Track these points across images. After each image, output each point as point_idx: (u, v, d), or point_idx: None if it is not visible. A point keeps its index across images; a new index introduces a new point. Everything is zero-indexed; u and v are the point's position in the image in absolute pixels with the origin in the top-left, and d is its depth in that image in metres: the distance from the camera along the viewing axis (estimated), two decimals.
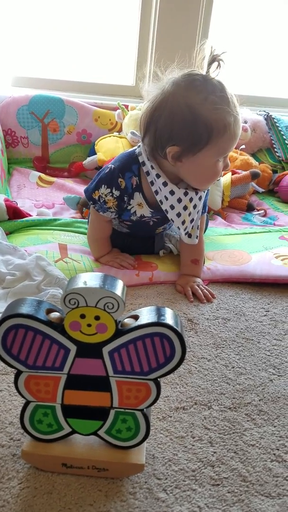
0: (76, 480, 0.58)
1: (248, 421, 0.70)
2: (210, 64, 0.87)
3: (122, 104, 1.65)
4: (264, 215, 1.52)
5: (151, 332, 0.51)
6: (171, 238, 1.17)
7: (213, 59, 0.87)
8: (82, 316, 0.51)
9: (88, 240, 1.11)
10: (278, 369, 0.81)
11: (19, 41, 1.76)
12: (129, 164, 0.98)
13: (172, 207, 0.98)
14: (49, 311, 0.53)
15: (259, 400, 0.74)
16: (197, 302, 0.99)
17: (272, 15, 1.96)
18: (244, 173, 1.52)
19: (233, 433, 0.67)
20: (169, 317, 0.52)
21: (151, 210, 1.02)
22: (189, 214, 0.99)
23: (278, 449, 0.65)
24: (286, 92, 2.04)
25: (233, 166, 1.58)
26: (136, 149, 1.00)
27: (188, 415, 0.70)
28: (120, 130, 1.68)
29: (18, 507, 0.54)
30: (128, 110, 1.64)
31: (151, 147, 0.93)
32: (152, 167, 0.95)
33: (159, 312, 0.53)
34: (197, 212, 1.01)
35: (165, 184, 0.96)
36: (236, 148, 1.63)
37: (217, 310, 0.97)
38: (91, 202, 1.03)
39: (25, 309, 0.51)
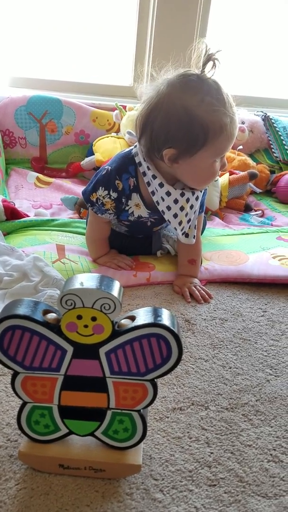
0: (73, 481, 0.58)
1: (245, 421, 0.70)
2: (205, 64, 0.86)
3: (120, 105, 1.65)
4: (262, 216, 1.52)
5: (148, 333, 0.52)
6: (169, 239, 1.17)
7: (208, 58, 0.86)
8: (79, 317, 0.51)
9: (86, 241, 1.11)
10: (275, 369, 0.81)
11: (17, 41, 1.76)
12: (125, 165, 0.98)
13: (168, 208, 0.98)
14: (45, 312, 0.53)
15: (256, 401, 0.74)
16: (195, 303, 0.99)
17: (270, 15, 1.96)
18: (241, 173, 1.52)
19: (230, 433, 0.67)
20: (165, 318, 0.52)
21: (149, 211, 1.02)
22: (186, 215, 0.99)
23: (275, 450, 0.65)
24: (283, 92, 2.05)
25: (230, 167, 1.58)
26: (132, 149, 0.99)
27: (185, 415, 0.70)
28: (118, 131, 1.68)
29: (15, 508, 0.54)
30: (126, 111, 1.64)
31: (147, 148, 0.93)
32: (149, 168, 0.95)
33: (156, 313, 0.53)
34: (194, 212, 1.01)
35: (161, 185, 0.96)
36: (233, 148, 1.64)
37: (215, 310, 0.97)
38: (89, 204, 1.03)
39: (21, 310, 0.52)
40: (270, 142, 1.77)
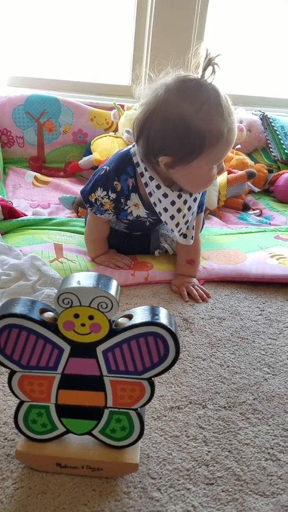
0: (70, 480, 0.58)
1: (242, 420, 0.70)
2: (205, 69, 0.84)
3: (118, 104, 1.65)
4: (260, 215, 1.52)
5: (145, 331, 0.52)
6: (167, 238, 1.17)
7: (208, 63, 0.84)
8: (76, 316, 0.51)
9: (85, 240, 1.11)
10: (272, 368, 0.81)
11: (15, 40, 1.76)
12: (124, 165, 0.97)
13: (165, 209, 0.97)
14: (42, 310, 0.53)
15: (254, 399, 0.74)
16: (193, 302, 0.99)
17: (268, 15, 1.96)
18: (240, 172, 1.52)
19: (227, 432, 0.67)
20: (163, 317, 0.52)
21: (147, 211, 1.02)
22: (184, 216, 0.99)
23: (272, 448, 0.65)
24: (281, 92, 2.05)
25: (228, 166, 1.58)
26: (131, 148, 0.99)
27: (183, 414, 0.70)
28: (116, 130, 1.68)
29: (12, 507, 0.54)
30: (124, 110, 1.64)
31: (144, 152, 0.92)
32: (146, 169, 0.95)
33: (153, 312, 0.53)
34: (192, 214, 1.01)
35: (158, 186, 0.95)
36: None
37: (213, 309, 0.97)
38: (88, 205, 1.02)
39: (18, 309, 0.51)
40: (268, 141, 1.77)
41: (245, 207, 1.53)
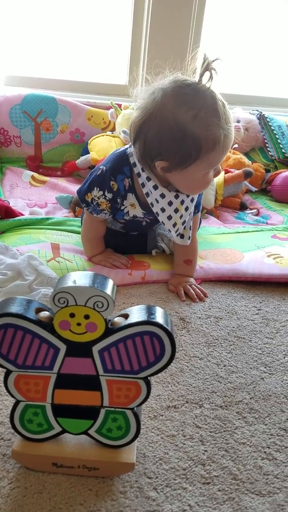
0: (66, 479, 0.58)
1: (239, 419, 0.70)
2: (202, 74, 0.84)
3: (115, 103, 1.65)
4: (257, 214, 1.52)
5: (141, 330, 0.51)
6: (164, 238, 1.17)
7: (206, 68, 0.83)
8: (72, 315, 0.50)
9: (81, 239, 1.11)
10: (269, 367, 0.81)
11: (12, 40, 1.75)
12: (120, 165, 0.97)
13: (163, 210, 0.97)
14: (38, 310, 0.53)
15: (250, 398, 0.74)
16: (190, 301, 0.99)
17: (265, 14, 1.96)
18: (237, 172, 1.52)
19: (224, 431, 0.67)
20: (159, 316, 0.52)
21: (143, 211, 1.02)
22: (181, 217, 0.99)
23: (269, 447, 0.65)
24: (278, 91, 2.05)
25: (226, 165, 1.59)
26: (127, 148, 0.99)
27: (180, 413, 0.70)
28: (113, 129, 1.68)
29: (8, 507, 0.54)
30: (121, 109, 1.64)
31: (140, 154, 0.92)
32: (143, 170, 0.95)
33: (149, 311, 0.53)
34: (189, 214, 1.01)
35: (155, 187, 0.95)
36: None
37: (209, 309, 0.97)
38: (84, 205, 1.02)
39: (14, 309, 0.51)
40: (265, 140, 1.77)
41: (243, 207, 1.53)
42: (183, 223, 1.00)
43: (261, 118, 1.79)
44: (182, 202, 0.97)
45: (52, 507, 0.55)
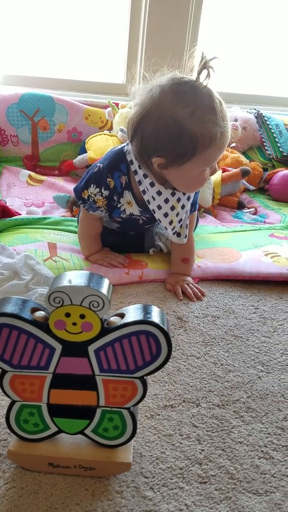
0: (62, 479, 0.57)
1: (236, 418, 0.70)
2: (200, 72, 0.84)
3: (112, 102, 1.65)
4: (255, 213, 1.52)
5: (137, 330, 0.51)
6: (161, 236, 1.17)
7: (203, 66, 0.84)
8: (67, 315, 0.50)
9: (78, 238, 1.11)
10: (266, 366, 0.81)
11: (9, 39, 1.75)
12: (117, 163, 0.97)
13: (159, 207, 0.97)
14: (34, 310, 0.53)
15: (248, 397, 0.74)
16: (187, 300, 0.99)
17: (263, 13, 1.96)
18: (234, 170, 1.52)
19: (221, 430, 0.67)
20: (155, 315, 0.52)
21: (140, 209, 1.01)
22: (177, 215, 0.99)
23: (266, 446, 0.65)
24: (276, 90, 2.04)
25: (223, 164, 1.58)
26: (125, 146, 0.99)
27: (176, 413, 0.69)
28: (110, 128, 1.68)
29: (4, 507, 0.54)
30: (118, 108, 1.64)
31: (137, 151, 0.92)
32: (140, 167, 0.95)
33: (146, 310, 0.53)
34: (186, 212, 1.01)
35: (152, 184, 0.95)
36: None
37: (207, 308, 0.97)
38: (81, 202, 1.02)
39: (9, 308, 0.51)
40: (263, 139, 1.77)
41: (240, 206, 1.53)
42: (180, 221, 1.00)
43: (259, 117, 1.79)
44: (179, 199, 0.97)
45: (48, 507, 0.54)
